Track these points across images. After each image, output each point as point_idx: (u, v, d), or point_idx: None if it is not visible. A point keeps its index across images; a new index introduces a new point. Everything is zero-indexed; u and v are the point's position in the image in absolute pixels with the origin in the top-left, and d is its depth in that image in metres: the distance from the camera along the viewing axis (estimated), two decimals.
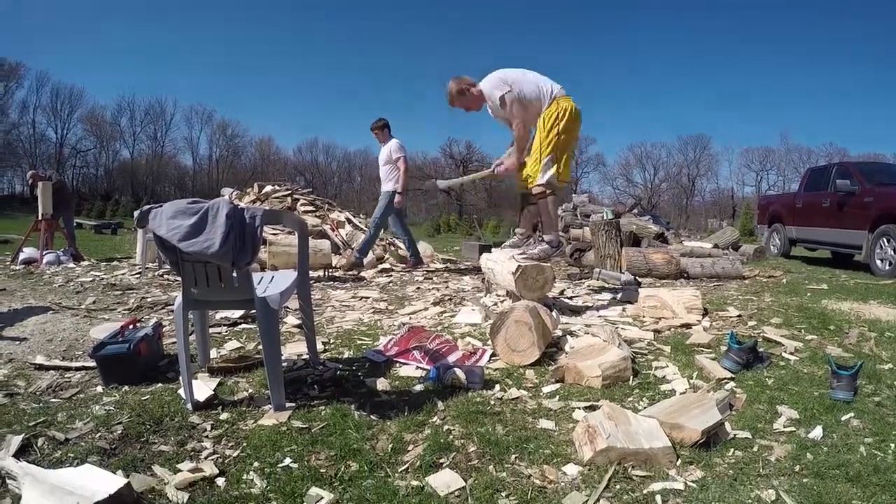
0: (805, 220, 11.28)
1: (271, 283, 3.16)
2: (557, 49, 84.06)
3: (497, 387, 3.13)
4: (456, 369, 3.16)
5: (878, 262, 8.79)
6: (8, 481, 2.07)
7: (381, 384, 3.15)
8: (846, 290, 6.55)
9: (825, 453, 2.41)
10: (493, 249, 5.83)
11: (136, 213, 2.66)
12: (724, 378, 3.26)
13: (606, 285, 6.34)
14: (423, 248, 10.33)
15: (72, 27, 79.60)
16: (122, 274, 7.59)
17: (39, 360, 3.52)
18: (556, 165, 4.79)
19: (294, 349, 3.73)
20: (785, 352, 3.77)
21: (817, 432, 2.59)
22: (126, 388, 3.06)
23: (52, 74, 61.47)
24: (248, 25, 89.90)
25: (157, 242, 2.62)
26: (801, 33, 78.19)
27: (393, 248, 10.07)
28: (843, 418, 2.75)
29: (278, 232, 8.50)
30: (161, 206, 2.61)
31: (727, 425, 2.61)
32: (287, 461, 2.31)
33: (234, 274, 2.65)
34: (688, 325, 4.40)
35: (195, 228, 2.48)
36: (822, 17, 76.22)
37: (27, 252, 9.35)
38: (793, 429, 2.64)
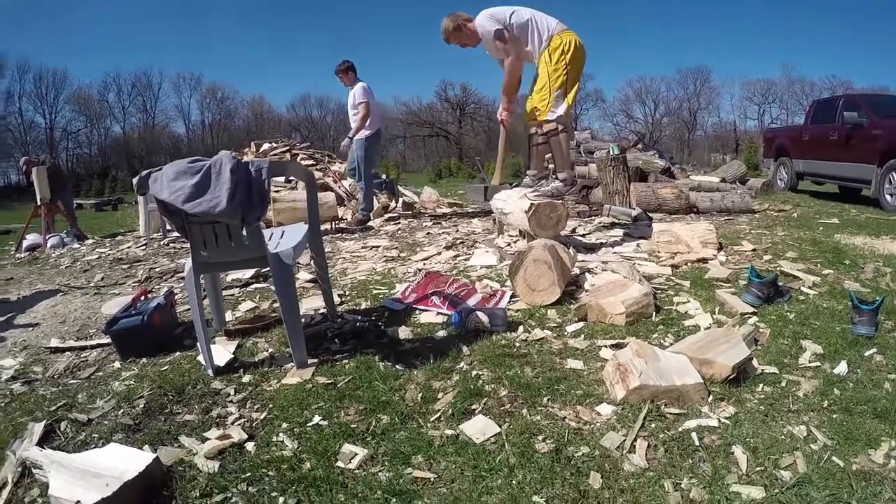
0: (812, 154, 11.03)
1: (282, 239, 3.08)
2: None
3: (520, 328, 3.09)
4: (478, 313, 3.11)
5: (888, 196, 8.59)
6: (34, 471, 2.03)
7: (403, 333, 3.11)
8: (857, 225, 6.47)
9: (851, 389, 2.42)
10: (503, 190, 5.71)
11: (134, 180, 2.55)
12: (747, 313, 3.24)
13: (617, 221, 6.26)
14: (428, 193, 10.23)
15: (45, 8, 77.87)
16: (128, 247, 7.52)
17: (54, 343, 3.46)
18: (565, 100, 4.69)
19: (310, 304, 3.66)
20: (803, 286, 3.75)
21: (842, 367, 2.60)
22: (144, 360, 3.01)
23: (32, 60, 60.59)
24: None
25: (161, 207, 2.52)
26: None
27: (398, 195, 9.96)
28: (867, 354, 2.74)
29: (280, 189, 8.39)
30: (160, 168, 2.49)
31: (754, 360, 2.60)
32: (316, 419, 2.27)
33: (244, 231, 2.56)
34: (704, 260, 4.35)
35: (199, 188, 2.37)
36: None
37: (30, 239, 9.27)
38: (818, 364, 2.65)
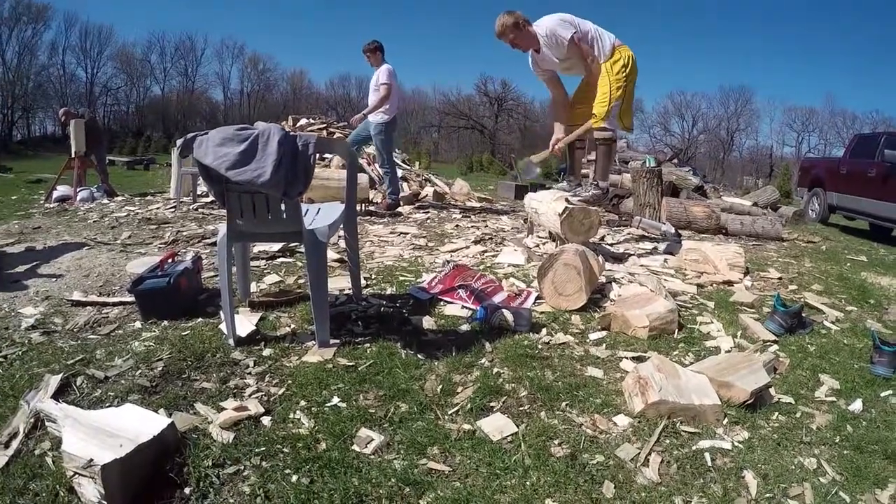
0: (848, 188, 10.79)
1: (318, 216, 3.08)
2: None
3: (543, 331, 3.07)
4: (504, 311, 3.09)
5: None
6: (48, 423, 2.05)
7: (427, 323, 3.10)
8: (885, 265, 6.33)
9: (864, 427, 2.42)
10: (537, 190, 5.69)
11: (178, 142, 2.55)
12: (769, 340, 3.22)
13: (646, 234, 6.21)
14: (460, 185, 10.17)
15: None
16: (157, 208, 7.57)
17: (76, 296, 3.48)
18: (620, 112, 4.78)
19: (335, 284, 3.65)
20: (826, 320, 3.71)
21: (857, 405, 2.59)
22: (165, 323, 3.02)
23: (80, 14, 61.39)
24: None
25: (202, 172, 2.52)
26: None
27: (430, 185, 9.93)
28: (883, 394, 2.73)
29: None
30: (207, 133, 2.48)
31: (771, 389, 2.60)
32: (335, 400, 2.27)
33: (283, 205, 2.56)
34: (730, 283, 4.29)
35: (245, 156, 2.36)
36: None
37: (61, 190, 9.39)
38: (834, 399, 2.64)
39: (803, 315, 3.49)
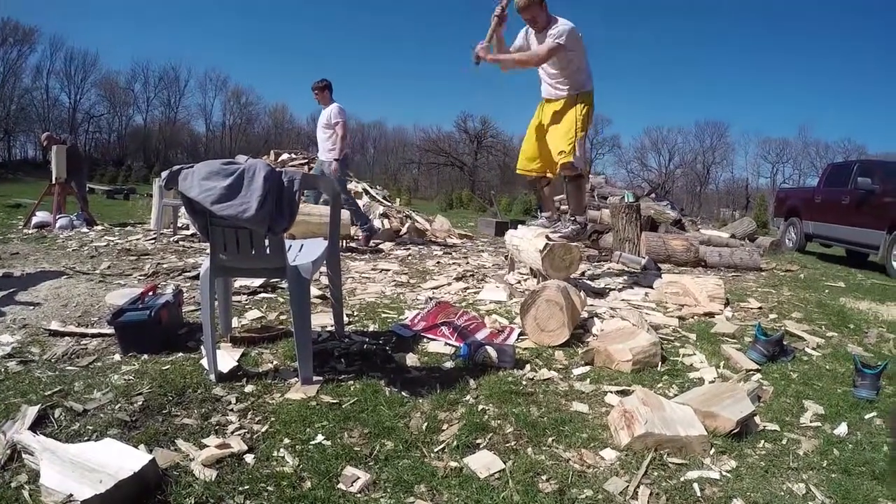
0: (823, 216, 11.06)
1: (301, 252, 3.07)
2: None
3: (527, 367, 3.07)
4: (487, 347, 3.09)
5: (895, 263, 8.63)
6: (24, 456, 2.00)
7: (411, 360, 3.09)
8: (863, 290, 6.49)
9: (851, 450, 2.43)
10: (518, 226, 5.72)
11: (164, 174, 2.54)
12: (752, 369, 3.26)
13: (626, 269, 6.25)
14: (441, 222, 10.22)
15: None
16: (137, 239, 7.53)
17: (54, 325, 3.43)
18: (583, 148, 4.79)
19: (318, 321, 3.63)
20: (807, 347, 3.77)
21: (842, 429, 2.62)
22: (145, 356, 2.98)
23: (66, 39, 61.50)
24: None
25: (186, 205, 2.51)
26: (823, 26, 76.55)
27: (410, 221, 9.95)
28: (867, 417, 2.76)
29: None
30: (192, 166, 2.48)
31: (756, 417, 2.61)
32: (319, 438, 2.24)
33: (267, 240, 2.55)
34: (711, 314, 4.36)
35: (230, 191, 2.37)
36: (844, 12, 74.68)
37: (40, 216, 9.29)
38: (819, 424, 2.66)
39: (785, 343, 3.54)
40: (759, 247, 9.97)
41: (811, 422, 2.66)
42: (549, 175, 5.07)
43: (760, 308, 4.75)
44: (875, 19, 71.74)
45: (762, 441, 2.44)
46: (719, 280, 4.98)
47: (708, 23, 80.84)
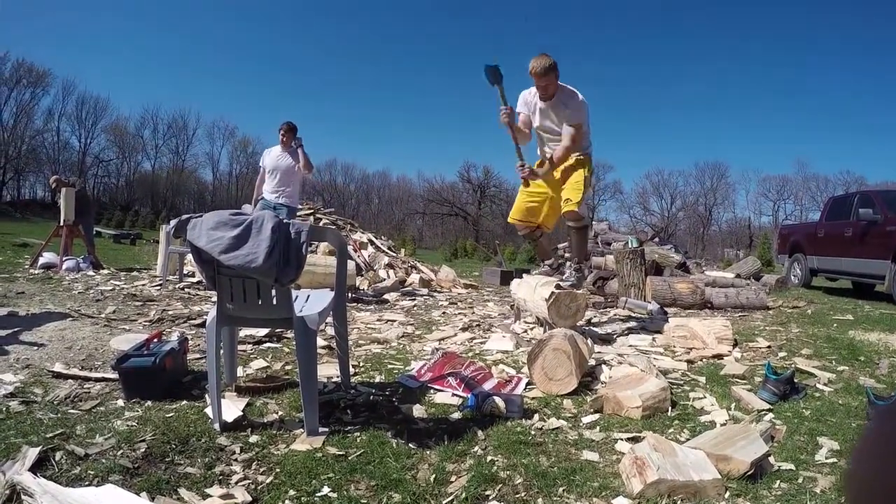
0: (826, 250, 11.11)
1: (307, 302, 3.07)
2: (568, 77, 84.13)
3: (536, 416, 3.04)
4: (495, 398, 3.06)
5: None
6: (24, 497, 1.97)
7: (418, 411, 3.06)
8: (872, 321, 6.46)
9: None
10: (522, 275, 5.73)
11: (172, 222, 2.57)
12: (763, 409, 3.23)
13: (633, 314, 6.24)
14: (446, 272, 10.24)
15: (101, 39, 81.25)
16: (143, 285, 7.55)
17: (58, 367, 3.43)
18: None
19: (323, 371, 3.60)
20: (819, 383, 3.76)
21: None
22: (149, 403, 2.96)
23: (78, 83, 62.68)
24: (271, 45, 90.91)
25: (194, 254, 2.53)
26: (815, 59, 77.64)
27: (415, 271, 9.96)
28: None
29: None
30: (201, 215, 2.51)
31: (771, 457, 2.57)
32: (325, 490, 2.20)
33: (273, 291, 2.55)
34: (719, 356, 4.35)
35: (238, 241, 2.38)
36: (837, 43, 75.95)
37: (47, 257, 9.36)
38: (834, 460, 2.61)
39: (795, 380, 3.52)
40: (764, 285, 9.97)
41: (827, 458, 2.62)
42: (543, 229, 5.21)
43: (769, 347, 4.73)
44: (868, 50, 72.89)
45: (778, 481, 2.39)
46: (726, 321, 4.99)
47: (701, 61, 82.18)
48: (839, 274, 10.88)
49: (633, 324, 5.54)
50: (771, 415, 3.15)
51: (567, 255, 5.93)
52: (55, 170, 45.71)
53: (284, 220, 2.53)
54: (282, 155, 7.62)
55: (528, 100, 4.93)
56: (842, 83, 74.89)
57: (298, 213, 10.87)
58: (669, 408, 3.17)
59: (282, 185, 7.60)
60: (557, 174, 4.91)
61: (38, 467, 2.20)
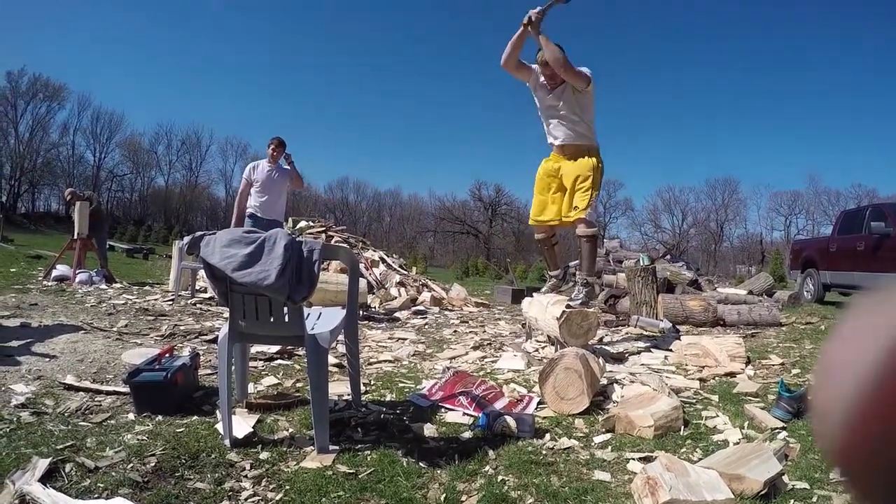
0: (839, 265, 11.04)
1: (319, 320, 3.08)
2: None
3: (547, 436, 3.02)
4: (506, 417, 3.04)
5: None
6: None
7: (428, 430, 3.04)
8: None
9: None
10: (533, 294, 5.71)
11: (186, 239, 2.59)
12: (777, 427, 3.19)
13: (645, 332, 6.20)
14: (457, 290, 10.23)
15: (117, 55, 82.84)
16: (155, 299, 7.59)
17: (69, 380, 3.45)
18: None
19: (334, 389, 3.60)
20: None
21: None
22: (160, 417, 2.97)
23: (93, 98, 63.80)
24: (285, 63, 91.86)
25: (207, 271, 2.55)
26: (823, 72, 77.77)
27: (426, 290, 9.96)
28: None
29: None
30: (214, 233, 2.54)
31: (784, 476, 2.53)
32: None
33: (286, 309, 2.56)
34: (732, 374, 4.31)
35: (251, 258, 2.41)
36: (845, 55, 76.23)
37: (60, 269, 9.44)
38: None
39: (809, 397, 3.45)
40: (777, 301, 9.88)
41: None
42: (557, 230, 5.19)
43: (783, 364, 4.69)
44: (876, 59, 72.73)
45: (791, 500, 2.37)
46: (739, 338, 4.95)
47: (711, 76, 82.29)
48: (852, 288, 10.78)
49: (645, 342, 5.51)
50: (785, 433, 3.12)
51: (576, 271, 5.92)
52: (70, 183, 46.27)
53: (297, 239, 2.54)
54: (272, 170, 7.73)
55: (535, 74, 4.89)
56: (851, 94, 75.20)
57: (310, 231, 10.94)
58: (682, 427, 3.15)
59: (272, 200, 7.70)
60: (559, 172, 4.92)
61: (47, 478, 2.21)
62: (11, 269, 10.80)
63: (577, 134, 4.82)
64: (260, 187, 7.68)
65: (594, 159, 4.80)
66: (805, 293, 12.08)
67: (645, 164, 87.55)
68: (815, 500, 2.38)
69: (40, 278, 9.40)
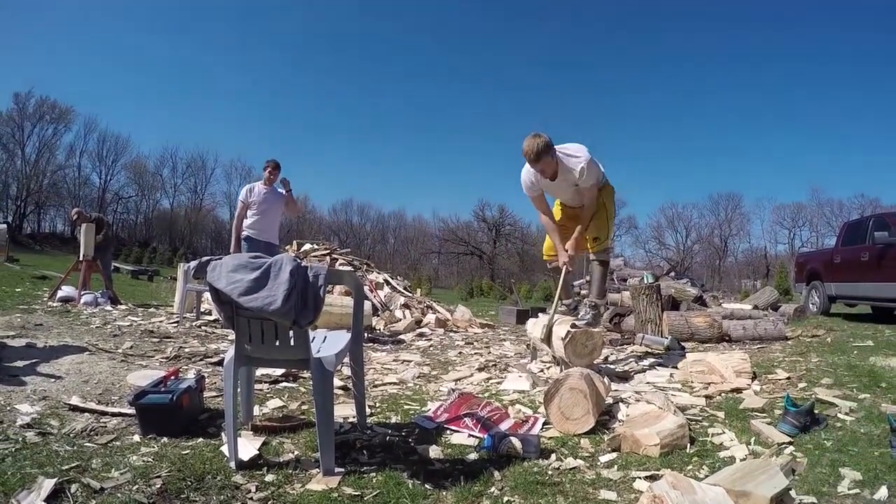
0: (844, 276, 11.01)
1: (324, 343, 3.10)
2: (580, 113, 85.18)
3: (553, 456, 3.01)
4: (512, 438, 3.05)
5: None
6: None
7: (434, 452, 3.04)
8: (892, 346, 6.34)
9: None
10: (538, 314, 5.72)
11: (192, 263, 2.63)
12: (783, 442, 3.18)
13: (650, 350, 6.19)
14: (462, 311, 10.22)
15: (124, 75, 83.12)
16: (160, 321, 7.59)
17: (75, 400, 3.45)
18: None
19: (339, 412, 3.59)
20: (840, 412, 3.69)
21: (882, 493, 2.53)
22: (165, 439, 2.98)
23: (99, 121, 63.96)
24: (287, 85, 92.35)
25: (213, 296, 2.58)
26: (825, 83, 77.29)
27: (431, 311, 9.96)
28: None
29: None
30: (221, 258, 2.57)
31: (792, 491, 2.52)
32: None
33: (291, 333, 2.58)
34: (738, 390, 4.29)
35: (257, 283, 2.43)
36: (846, 66, 76.07)
37: (66, 290, 9.47)
38: (857, 491, 2.57)
39: (816, 411, 3.47)
40: (782, 315, 9.85)
41: (849, 489, 2.58)
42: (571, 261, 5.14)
43: (789, 378, 4.67)
44: (877, 67, 72.58)
45: None
46: (745, 354, 4.93)
47: (712, 91, 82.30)
48: (858, 299, 10.80)
49: (650, 360, 5.50)
50: (791, 447, 3.11)
51: (585, 291, 5.93)
52: (75, 204, 46.55)
53: (303, 264, 2.57)
54: (269, 193, 7.86)
55: (534, 181, 4.98)
56: (854, 104, 75.36)
57: (315, 254, 10.96)
58: (688, 444, 3.14)
59: (268, 223, 7.87)
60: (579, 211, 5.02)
61: (52, 499, 2.22)
62: (17, 289, 10.86)
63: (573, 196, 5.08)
64: (256, 210, 7.81)
65: (605, 202, 5.00)
66: (811, 305, 12.06)
67: (647, 181, 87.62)
68: None
69: (45, 299, 9.45)
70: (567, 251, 4.98)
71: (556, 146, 4.71)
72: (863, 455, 2.94)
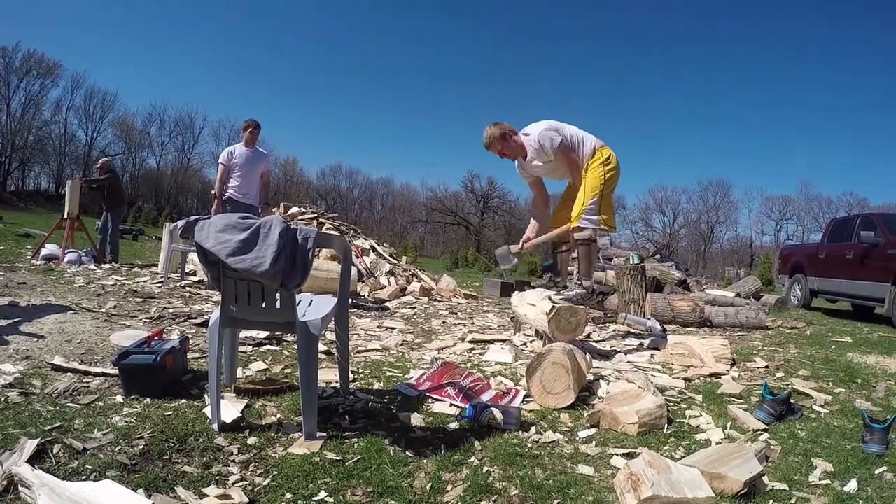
0: (827, 272, 11.15)
1: (310, 307, 3.09)
2: (575, 91, 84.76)
3: (533, 429, 3.05)
4: (493, 409, 3.07)
5: None
6: (21, 489, 1.99)
7: (415, 419, 3.06)
8: (870, 344, 6.45)
9: None
10: (525, 287, 5.73)
11: (180, 223, 2.61)
12: (759, 429, 3.24)
13: (632, 330, 6.23)
14: (447, 281, 10.23)
15: (112, 34, 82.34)
16: (144, 281, 7.55)
17: (57, 360, 3.43)
18: (599, 210, 4.86)
19: (322, 376, 3.59)
20: (815, 404, 3.76)
21: (852, 485, 2.59)
22: (148, 400, 2.97)
23: (87, 77, 62.85)
24: (279, 46, 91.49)
25: (200, 255, 2.56)
26: (822, 80, 77.92)
27: (416, 280, 9.95)
28: (877, 472, 2.74)
29: None
30: (209, 217, 2.54)
31: (765, 477, 2.59)
32: (322, 494, 2.22)
33: (278, 296, 2.57)
34: (717, 375, 4.34)
35: (245, 244, 2.41)
36: (846, 64, 76.39)
37: (49, 248, 9.40)
38: (828, 481, 2.63)
39: (792, 401, 3.53)
40: (764, 305, 9.95)
41: (820, 479, 2.64)
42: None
43: (767, 367, 4.73)
44: (873, 68, 72.94)
45: (770, 501, 2.42)
46: (725, 340, 4.98)
47: (709, 79, 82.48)
48: (839, 296, 10.92)
49: (631, 340, 5.54)
50: (766, 435, 3.17)
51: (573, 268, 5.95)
52: (61, 161, 45.91)
53: (292, 227, 2.55)
54: (251, 154, 7.91)
55: (519, 166, 5.22)
56: (850, 103, 75.52)
57: (302, 217, 10.91)
58: (665, 425, 3.19)
59: (250, 185, 7.89)
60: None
61: (35, 459, 2.21)
62: (0, 248, 10.74)
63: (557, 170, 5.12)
64: (239, 171, 7.82)
65: (588, 164, 4.92)
66: (792, 298, 12.19)
67: (637, 162, 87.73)
68: (793, 501, 2.43)
69: (29, 257, 9.37)
70: (521, 246, 5.34)
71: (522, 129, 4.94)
72: (835, 447, 3.01)
